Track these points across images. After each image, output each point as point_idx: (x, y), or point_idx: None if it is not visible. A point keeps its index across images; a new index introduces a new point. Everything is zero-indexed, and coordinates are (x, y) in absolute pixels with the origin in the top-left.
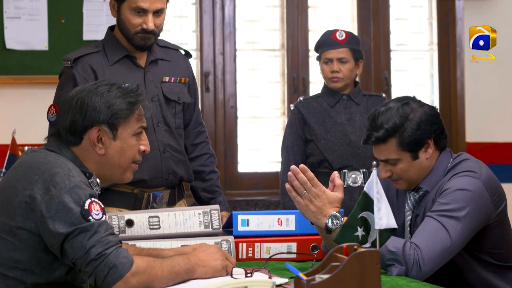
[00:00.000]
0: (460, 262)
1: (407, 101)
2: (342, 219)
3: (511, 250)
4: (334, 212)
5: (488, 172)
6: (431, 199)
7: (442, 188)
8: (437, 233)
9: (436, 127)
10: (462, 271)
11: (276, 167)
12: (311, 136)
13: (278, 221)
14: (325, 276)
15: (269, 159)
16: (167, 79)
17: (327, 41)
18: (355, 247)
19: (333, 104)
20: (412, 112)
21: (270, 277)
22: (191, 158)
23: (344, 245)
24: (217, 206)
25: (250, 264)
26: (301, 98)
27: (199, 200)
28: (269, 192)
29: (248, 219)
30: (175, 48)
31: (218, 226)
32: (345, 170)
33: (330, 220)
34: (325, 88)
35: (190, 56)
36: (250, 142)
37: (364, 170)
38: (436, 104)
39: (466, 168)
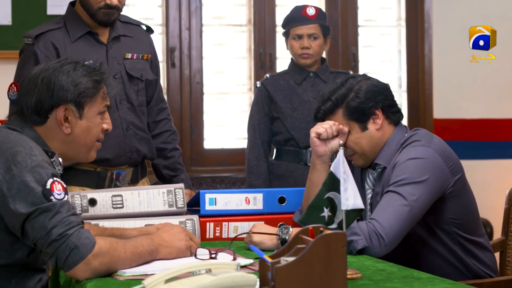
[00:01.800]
0: (425, 235)
1: (354, 76)
2: None
3: (474, 221)
4: None
5: (440, 142)
6: (387, 174)
7: (394, 162)
8: (392, 201)
9: (382, 97)
10: (429, 244)
11: (243, 143)
12: (278, 114)
13: (245, 200)
14: (291, 259)
15: (235, 136)
16: (129, 55)
17: (297, 17)
18: (321, 229)
19: (300, 81)
20: (357, 84)
21: (234, 258)
22: (153, 136)
23: (310, 226)
24: (181, 185)
25: (217, 244)
26: (267, 75)
27: (161, 178)
28: (235, 168)
29: (215, 198)
30: (136, 24)
31: (183, 205)
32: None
33: None
34: (292, 64)
35: (152, 31)
36: (216, 118)
37: None
38: (403, 80)
39: (414, 139)
